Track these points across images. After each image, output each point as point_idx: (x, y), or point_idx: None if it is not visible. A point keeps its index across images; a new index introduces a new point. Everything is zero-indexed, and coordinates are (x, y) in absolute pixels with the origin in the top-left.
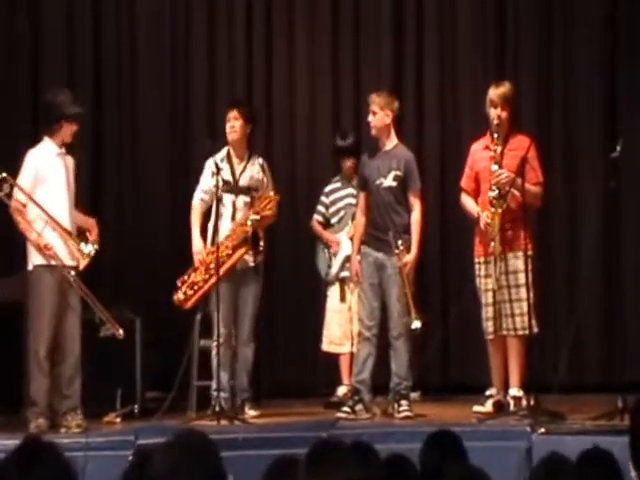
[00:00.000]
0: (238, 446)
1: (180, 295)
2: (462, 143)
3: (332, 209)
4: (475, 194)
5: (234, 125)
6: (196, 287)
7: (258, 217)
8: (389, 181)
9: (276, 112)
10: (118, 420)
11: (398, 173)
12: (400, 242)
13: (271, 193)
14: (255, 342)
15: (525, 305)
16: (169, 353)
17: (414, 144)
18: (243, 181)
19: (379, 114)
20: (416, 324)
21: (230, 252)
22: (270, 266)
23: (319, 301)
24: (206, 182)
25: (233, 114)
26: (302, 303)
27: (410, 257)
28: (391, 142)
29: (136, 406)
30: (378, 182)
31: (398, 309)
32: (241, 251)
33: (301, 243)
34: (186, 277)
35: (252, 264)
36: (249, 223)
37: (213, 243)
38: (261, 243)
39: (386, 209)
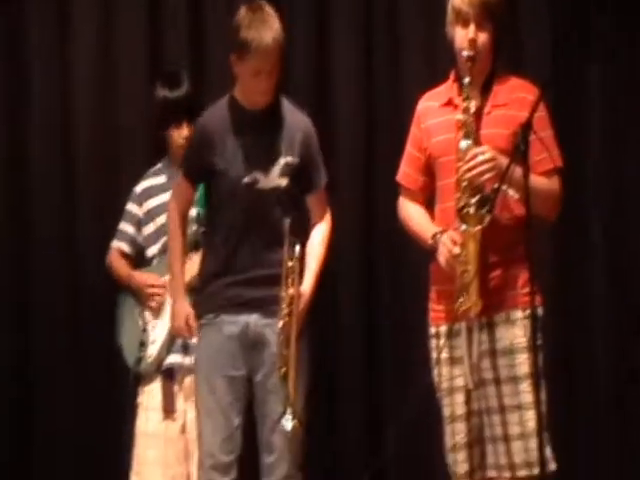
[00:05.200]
0: None
1: None
2: (404, 100)
3: (149, 227)
4: (426, 197)
5: None
6: None
7: None
8: (274, 177)
9: None
10: None
11: (291, 159)
12: (298, 247)
13: None
14: None
15: (531, 417)
16: None
17: (312, 103)
18: None
19: None
20: (288, 423)
21: None
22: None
23: (123, 415)
24: None
25: None
26: (88, 418)
27: (306, 289)
28: (271, 97)
29: None
30: (249, 179)
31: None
32: None
33: (85, 298)
34: None
35: None
36: None
37: None
38: None
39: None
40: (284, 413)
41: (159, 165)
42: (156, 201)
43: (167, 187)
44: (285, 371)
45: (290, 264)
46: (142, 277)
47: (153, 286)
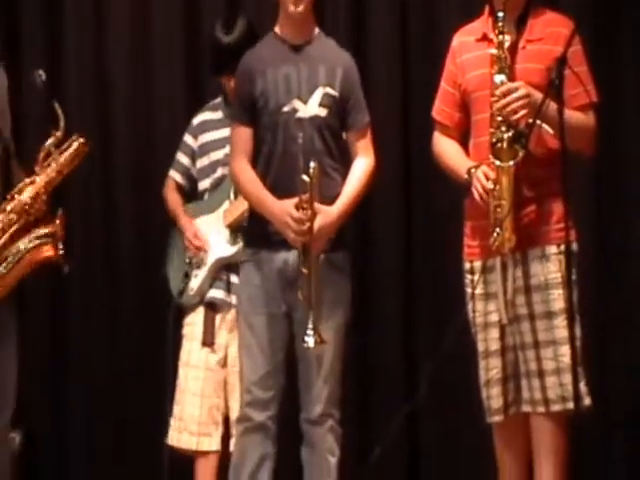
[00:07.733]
0: None
1: None
2: (439, 35)
3: (203, 161)
4: (461, 133)
5: None
6: None
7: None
8: (313, 106)
9: None
10: None
11: (331, 92)
12: (312, 165)
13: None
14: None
15: (566, 352)
16: None
17: (347, 39)
18: None
19: None
20: (310, 339)
21: None
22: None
23: (167, 345)
24: None
25: None
26: (131, 347)
27: (333, 210)
28: (313, 31)
29: None
30: (288, 108)
31: (330, 358)
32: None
33: (119, 233)
34: None
35: None
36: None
37: None
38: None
39: (305, 163)
40: (306, 330)
41: (217, 100)
42: (210, 136)
43: (222, 124)
44: (306, 290)
45: (305, 177)
46: (186, 223)
47: (189, 225)
